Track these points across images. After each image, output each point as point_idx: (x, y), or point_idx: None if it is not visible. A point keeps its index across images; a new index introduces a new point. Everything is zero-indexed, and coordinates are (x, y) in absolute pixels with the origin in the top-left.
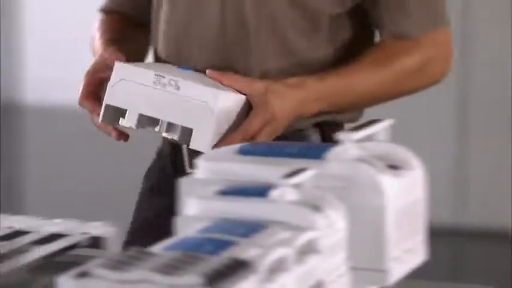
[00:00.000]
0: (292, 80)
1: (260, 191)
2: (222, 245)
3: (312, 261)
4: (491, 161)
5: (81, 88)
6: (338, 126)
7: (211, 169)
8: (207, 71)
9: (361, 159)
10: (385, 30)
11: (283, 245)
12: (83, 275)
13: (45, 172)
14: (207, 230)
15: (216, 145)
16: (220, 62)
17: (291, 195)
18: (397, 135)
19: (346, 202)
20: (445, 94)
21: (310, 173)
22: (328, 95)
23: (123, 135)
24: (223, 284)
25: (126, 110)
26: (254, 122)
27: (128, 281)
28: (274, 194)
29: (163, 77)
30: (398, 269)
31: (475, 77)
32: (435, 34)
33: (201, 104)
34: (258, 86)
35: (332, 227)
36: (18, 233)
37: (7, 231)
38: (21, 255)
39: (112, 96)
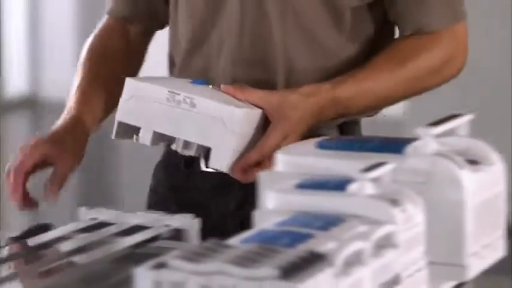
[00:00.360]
0: (307, 89)
1: (338, 185)
2: (299, 238)
3: (389, 255)
4: None
5: (12, 182)
6: (355, 124)
7: (290, 163)
8: (222, 86)
9: (440, 154)
10: (405, 25)
11: (360, 239)
12: (160, 266)
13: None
14: (284, 223)
15: (235, 164)
16: (244, 57)
17: (369, 189)
18: (476, 130)
19: (424, 197)
20: None
21: (389, 167)
22: (343, 100)
23: (29, 206)
24: (299, 276)
25: (139, 128)
26: (272, 138)
27: (203, 273)
28: (352, 188)
29: (178, 94)
30: (477, 265)
31: None
32: (455, 28)
33: (219, 122)
34: (274, 99)
35: (410, 221)
36: (102, 225)
37: (91, 222)
38: (104, 247)
39: (124, 112)
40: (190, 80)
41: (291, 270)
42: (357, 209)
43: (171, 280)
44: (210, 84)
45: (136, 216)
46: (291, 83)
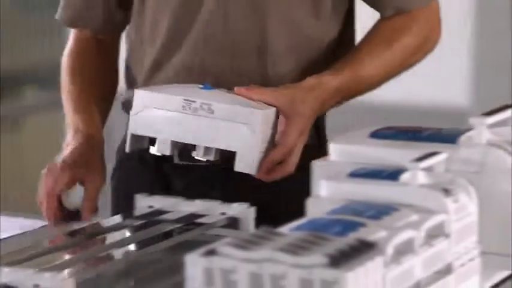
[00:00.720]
0: (309, 82)
1: (391, 174)
2: (351, 226)
3: (441, 244)
4: None
5: (46, 209)
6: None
7: (343, 152)
8: (236, 88)
9: (493, 144)
10: (386, 6)
11: (411, 228)
12: (211, 253)
13: None
14: (336, 211)
15: (260, 165)
16: (227, 43)
17: (422, 178)
18: None
19: (477, 186)
20: None
21: (442, 157)
22: (343, 88)
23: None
24: (348, 264)
25: (155, 138)
26: (291, 135)
27: (253, 260)
28: (405, 177)
29: (194, 101)
30: None
31: None
32: (429, 9)
33: (241, 126)
34: (285, 96)
35: (463, 210)
36: (158, 212)
37: (147, 210)
38: (159, 235)
39: (137, 125)
40: (199, 86)
41: (340, 259)
42: (410, 198)
43: (221, 267)
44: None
45: (192, 204)
46: (271, 68)
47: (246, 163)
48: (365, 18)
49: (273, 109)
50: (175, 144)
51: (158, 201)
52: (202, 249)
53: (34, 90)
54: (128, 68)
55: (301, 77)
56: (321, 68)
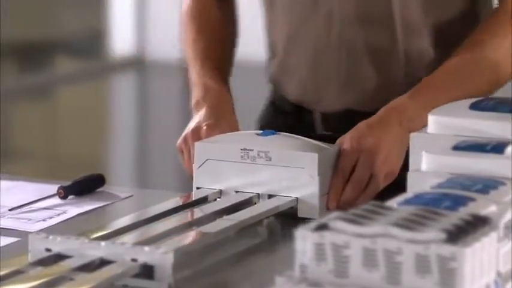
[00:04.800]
0: (379, 118)
1: (496, 147)
2: (460, 201)
3: None
4: None
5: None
6: None
7: (442, 124)
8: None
9: None
10: None
11: None
12: (322, 227)
13: None
14: (442, 185)
15: (327, 202)
16: (359, 18)
17: None
18: None
19: None
20: None
21: None
22: (409, 120)
23: None
24: (465, 240)
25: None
26: (346, 165)
27: (366, 235)
28: (511, 150)
29: (251, 149)
30: None
31: None
32: None
33: (300, 171)
34: (348, 136)
35: None
36: (57, 257)
37: (44, 254)
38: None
39: (201, 178)
40: (258, 132)
41: (458, 234)
42: (509, 171)
43: (333, 242)
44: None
45: (98, 247)
46: (409, 41)
47: (309, 209)
48: None
49: (332, 149)
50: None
51: (59, 244)
52: (313, 224)
53: (66, 60)
54: (267, 37)
55: (440, 55)
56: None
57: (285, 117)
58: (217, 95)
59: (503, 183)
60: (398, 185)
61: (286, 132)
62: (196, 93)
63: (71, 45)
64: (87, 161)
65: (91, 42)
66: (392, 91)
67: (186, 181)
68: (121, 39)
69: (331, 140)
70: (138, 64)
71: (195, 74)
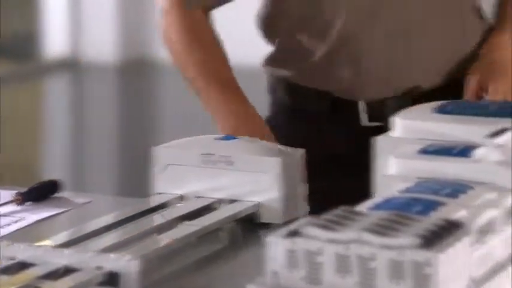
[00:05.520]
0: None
1: (463, 151)
2: (431, 205)
3: None
4: None
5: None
6: None
7: (408, 127)
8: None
9: None
10: None
11: (491, 206)
12: (294, 234)
13: None
14: (411, 189)
15: None
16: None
17: (495, 155)
18: None
19: None
20: None
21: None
22: None
23: None
24: (438, 245)
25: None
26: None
27: (340, 241)
28: (478, 153)
29: (212, 154)
30: None
31: None
32: None
33: (263, 175)
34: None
35: None
36: (21, 265)
37: (8, 262)
38: None
39: (161, 183)
40: (219, 136)
41: (431, 239)
42: (484, 175)
43: (306, 248)
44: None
45: (62, 255)
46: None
47: (271, 213)
48: None
49: (297, 154)
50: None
51: (22, 251)
52: (284, 231)
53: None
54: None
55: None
56: None
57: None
58: (253, 120)
59: (471, 187)
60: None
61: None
62: (230, 121)
63: (3, 47)
64: (21, 164)
65: (24, 44)
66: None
67: (122, 184)
68: (55, 40)
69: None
70: (72, 66)
71: (217, 100)
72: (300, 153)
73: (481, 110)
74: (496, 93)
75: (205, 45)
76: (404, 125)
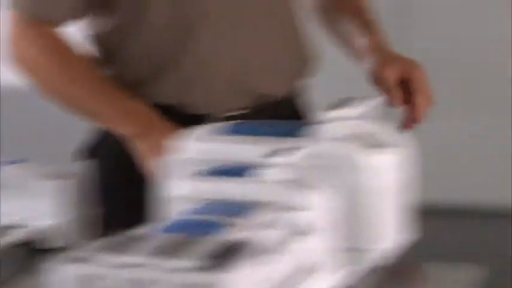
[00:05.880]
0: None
1: (249, 171)
2: (215, 226)
3: (300, 241)
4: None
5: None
6: None
7: (195, 149)
8: None
9: (344, 138)
10: None
11: (272, 226)
12: (79, 259)
13: None
14: (196, 211)
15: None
16: None
17: (274, 174)
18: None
19: (327, 181)
20: None
21: (294, 151)
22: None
23: None
24: (222, 266)
25: None
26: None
27: (126, 265)
28: (255, 173)
29: None
30: (384, 248)
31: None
32: None
33: (41, 199)
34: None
35: (317, 206)
36: None
37: None
38: None
39: None
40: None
41: (215, 260)
42: (263, 195)
43: (91, 273)
44: None
45: None
46: None
47: (51, 238)
48: None
49: (74, 177)
50: None
51: None
52: (70, 256)
53: None
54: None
55: None
56: None
57: None
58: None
59: (256, 207)
60: None
61: None
62: (132, 125)
63: None
64: None
65: None
66: None
67: None
68: None
69: None
70: None
71: (114, 108)
72: (77, 177)
73: (267, 129)
74: (423, 79)
75: (71, 62)
76: (193, 147)
